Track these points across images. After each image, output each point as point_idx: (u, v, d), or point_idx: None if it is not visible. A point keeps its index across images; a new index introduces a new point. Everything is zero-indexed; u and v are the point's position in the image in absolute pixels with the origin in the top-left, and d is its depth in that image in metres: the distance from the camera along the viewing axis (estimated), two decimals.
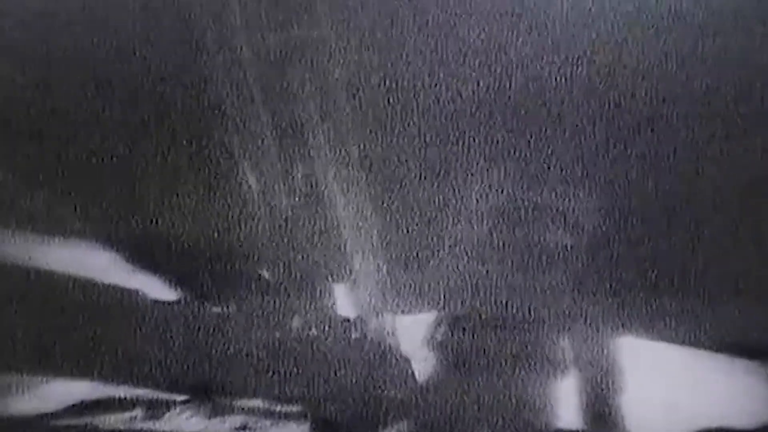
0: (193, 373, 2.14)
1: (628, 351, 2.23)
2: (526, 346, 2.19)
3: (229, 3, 2.20)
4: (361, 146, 2.23)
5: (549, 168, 2.21)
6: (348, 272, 2.25)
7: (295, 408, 2.16)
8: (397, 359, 2.21)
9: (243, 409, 2.15)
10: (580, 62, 2.19)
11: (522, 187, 2.22)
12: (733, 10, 2.17)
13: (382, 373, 2.18)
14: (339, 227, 2.24)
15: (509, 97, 2.21)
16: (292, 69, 2.21)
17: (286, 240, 2.24)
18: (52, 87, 2.21)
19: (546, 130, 2.19)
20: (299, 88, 2.22)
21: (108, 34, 2.20)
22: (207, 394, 2.15)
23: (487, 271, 2.21)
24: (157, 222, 2.21)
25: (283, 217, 2.24)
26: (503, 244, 2.22)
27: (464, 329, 2.22)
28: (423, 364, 2.22)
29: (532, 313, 2.20)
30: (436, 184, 2.23)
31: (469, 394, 2.18)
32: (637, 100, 2.19)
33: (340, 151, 2.23)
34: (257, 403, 2.16)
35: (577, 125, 2.20)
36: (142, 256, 2.23)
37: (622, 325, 2.24)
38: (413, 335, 2.24)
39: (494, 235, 2.22)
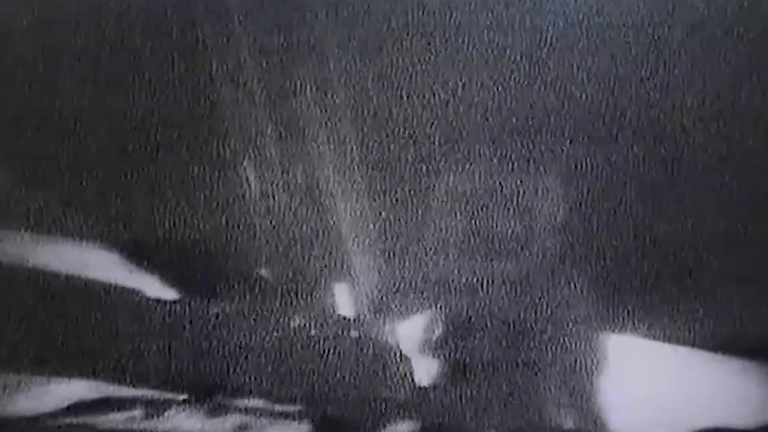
0: (192, 373, 2.13)
1: (621, 350, 2.23)
2: (519, 346, 2.19)
3: (229, 3, 2.20)
4: (361, 146, 2.24)
5: (535, 161, 2.23)
6: (348, 272, 2.24)
7: (295, 408, 2.15)
8: (397, 359, 2.20)
9: (243, 409, 2.15)
10: (555, 60, 2.21)
11: (512, 182, 2.23)
12: (733, 12, 2.19)
13: (382, 372, 2.17)
14: (339, 227, 2.24)
15: (509, 95, 2.21)
16: (292, 69, 2.22)
17: (286, 240, 2.24)
18: (51, 86, 2.21)
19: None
20: (299, 88, 2.22)
21: (107, 33, 2.21)
22: (207, 394, 2.14)
23: (478, 269, 2.22)
24: (156, 222, 2.21)
25: (283, 217, 2.24)
26: (491, 242, 2.22)
27: (460, 329, 2.22)
28: (423, 364, 2.21)
29: (521, 311, 2.20)
30: (437, 184, 2.23)
31: (470, 394, 2.17)
32: (616, 89, 2.21)
33: (340, 151, 2.24)
34: (257, 403, 2.15)
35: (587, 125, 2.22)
36: (142, 256, 2.23)
37: (615, 324, 2.24)
38: (412, 335, 2.24)
39: (485, 232, 2.22)
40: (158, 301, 2.18)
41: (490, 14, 2.21)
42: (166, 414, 2.13)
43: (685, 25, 2.20)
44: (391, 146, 2.23)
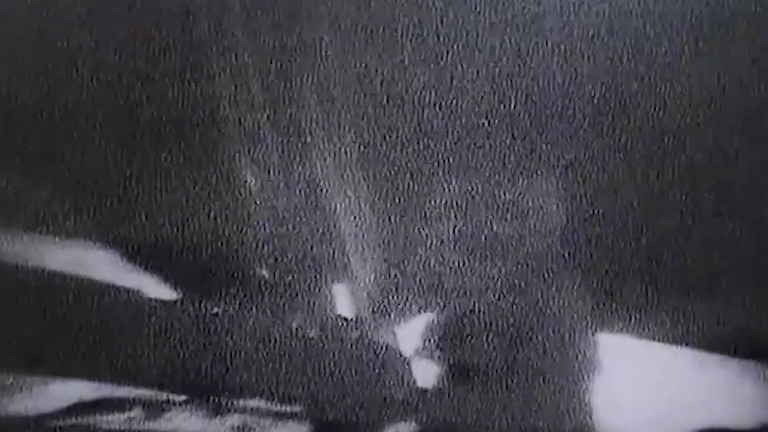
0: (192, 373, 2.13)
1: (618, 351, 2.23)
2: (517, 348, 2.20)
3: (229, 3, 2.20)
4: (361, 146, 2.24)
5: (529, 162, 2.23)
6: (348, 272, 2.25)
7: (295, 408, 2.16)
8: (397, 359, 2.21)
9: (243, 409, 2.15)
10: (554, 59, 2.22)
11: (509, 185, 2.23)
12: (736, 12, 2.19)
13: (382, 373, 2.18)
14: (339, 227, 2.24)
15: (508, 98, 2.22)
16: (292, 69, 2.22)
17: (286, 240, 2.24)
18: (51, 86, 2.21)
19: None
20: (299, 88, 2.22)
21: (107, 33, 2.21)
22: (207, 394, 2.14)
23: (475, 271, 2.22)
24: (156, 222, 2.21)
25: (283, 217, 2.24)
26: (488, 244, 2.23)
27: (458, 330, 2.22)
28: (422, 366, 2.22)
29: (518, 313, 2.21)
30: (436, 184, 2.24)
31: (468, 395, 2.18)
32: (612, 90, 2.21)
33: (340, 151, 2.24)
34: (257, 403, 2.15)
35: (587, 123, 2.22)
36: (142, 256, 2.23)
37: (612, 325, 2.24)
38: (411, 336, 2.24)
39: (483, 235, 2.23)
40: (158, 301, 2.18)
41: (489, 16, 2.21)
42: (166, 414, 2.13)
43: (684, 25, 2.21)
44: (391, 147, 2.23)
